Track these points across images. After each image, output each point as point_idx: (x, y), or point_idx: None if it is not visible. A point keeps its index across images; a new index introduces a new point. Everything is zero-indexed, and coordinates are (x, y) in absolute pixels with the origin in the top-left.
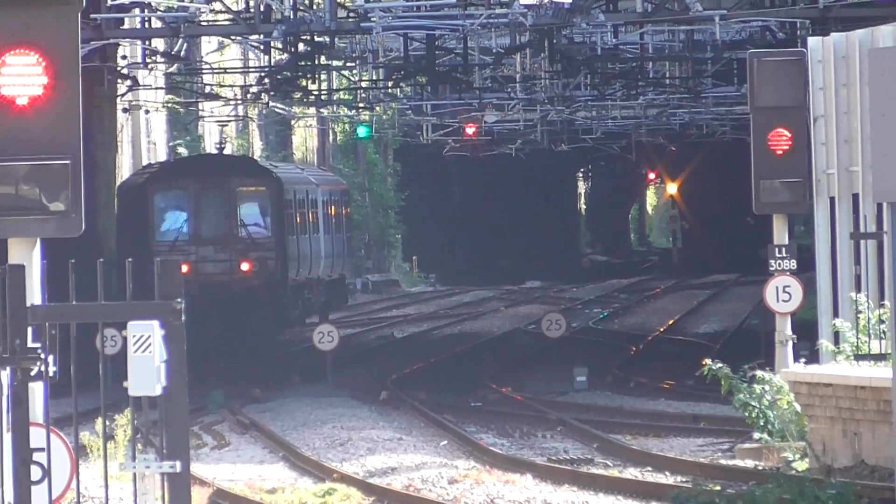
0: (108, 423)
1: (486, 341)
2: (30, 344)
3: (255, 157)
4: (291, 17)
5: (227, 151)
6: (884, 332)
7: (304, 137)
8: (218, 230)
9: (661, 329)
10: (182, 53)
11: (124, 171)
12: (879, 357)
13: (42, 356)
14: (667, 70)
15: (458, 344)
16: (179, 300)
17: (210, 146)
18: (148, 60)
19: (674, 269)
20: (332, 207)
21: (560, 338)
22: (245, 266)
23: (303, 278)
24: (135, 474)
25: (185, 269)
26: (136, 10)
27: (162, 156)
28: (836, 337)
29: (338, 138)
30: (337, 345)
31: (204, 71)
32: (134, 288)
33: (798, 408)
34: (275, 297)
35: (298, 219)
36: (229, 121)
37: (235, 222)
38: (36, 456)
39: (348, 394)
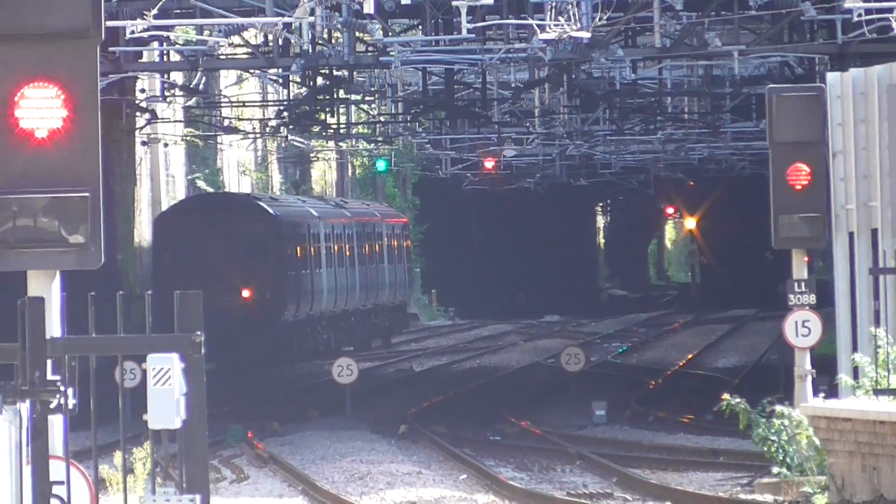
0: (127, 456)
1: (505, 375)
2: (49, 377)
3: (266, 193)
4: (310, 51)
5: (245, 186)
6: None
7: (323, 171)
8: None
9: (680, 363)
10: (200, 87)
11: (143, 204)
12: None
13: (62, 389)
14: (685, 105)
15: (477, 377)
16: (199, 333)
17: (229, 179)
18: (167, 93)
19: (692, 304)
20: (395, 240)
21: (579, 372)
22: (246, 293)
23: (315, 312)
24: None
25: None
26: (155, 44)
27: (181, 189)
28: (856, 371)
29: (356, 172)
30: (356, 378)
31: (222, 104)
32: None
33: (817, 442)
34: (268, 329)
35: (312, 252)
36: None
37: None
38: (56, 489)
39: (367, 427)
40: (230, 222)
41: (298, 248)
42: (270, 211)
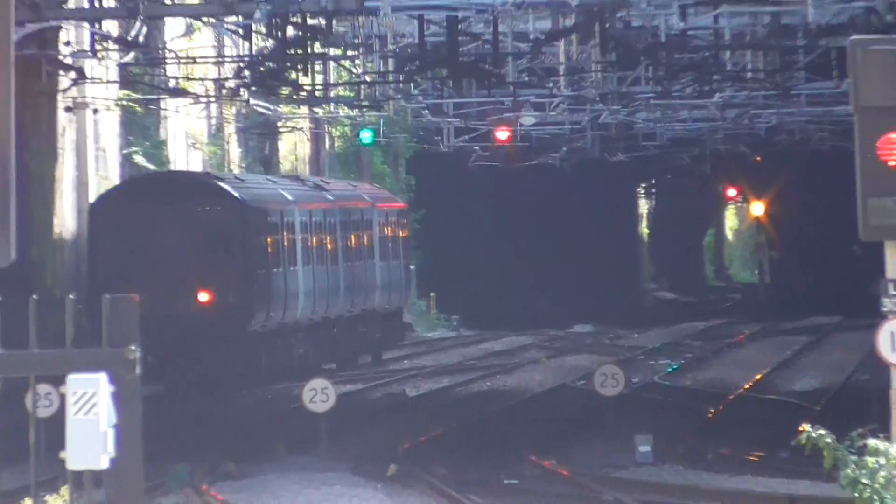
0: None
1: (524, 401)
2: None
3: (229, 172)
4: None
5: (195, 163)
6: None
7: (294, 144)
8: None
9: (746, 386)
10: (141, 39)
11: (65, 185)
12: None
13: None
14: (748, 61)
15: (488, 404)
16: (134, 347)
17: (175, 154)
18: (98, 48)
19: (760, 310)
20: (388, 230)
21: (617, 396)
22: (204, 296)
23: (289, 321)
24: None
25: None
26: None
27: (114, 167)
28: None
29: (336, 145)
30: (333, 405)
31: (168, 61)
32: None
33: None
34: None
35: (286, 245)
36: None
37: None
38: None
39: (347, 468)
40: (185, 208)
41: (269, 241)
42: (235, 194)
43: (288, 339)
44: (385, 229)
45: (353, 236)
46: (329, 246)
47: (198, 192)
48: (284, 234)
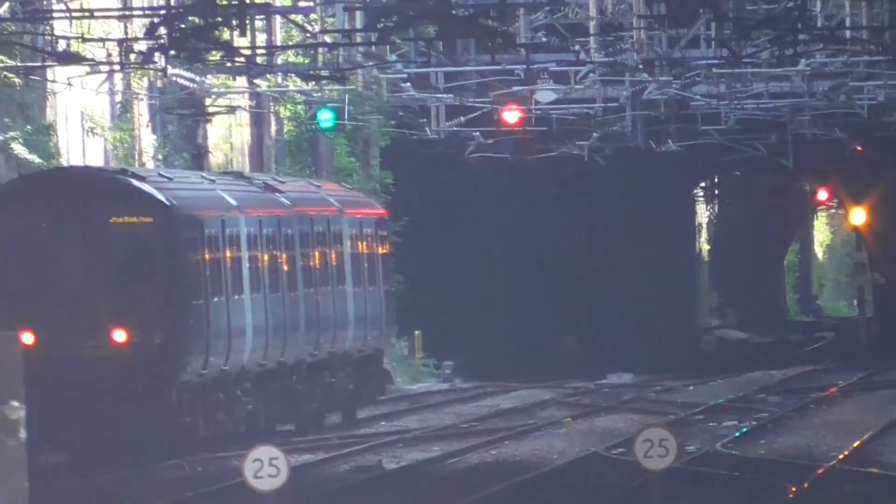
0: None
1: (540, 477)
2: None
3: (154, 168)
4: None
5: (94, 153)
6: None
7: (229, 127)
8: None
9: (840, 456)
10: None
11: None
12: None
13: None
14: (846, 15)
15: (492, 481)
16: (16, 403)
17: (67, 141)
18: None
19: (860, 354)
20: (363, 244)
21: (666, 470)
22: (120, 335)
23: (233, 368)
24: None
25: (29, 339)
26: None
27: None
28: None
29: (285, 130)
30: (285, 481)
31: (55, 15)
32: None
33: None
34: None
35: (229, 266)
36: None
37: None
38: None
39: None
40: (94, 218)
41: (206, 260)
42: (160, 198)
43: (232, 392)
44: (359, 244)
45: (316, 253)
46: (285, 266)
47: (110, 195)
48: (226, 250)
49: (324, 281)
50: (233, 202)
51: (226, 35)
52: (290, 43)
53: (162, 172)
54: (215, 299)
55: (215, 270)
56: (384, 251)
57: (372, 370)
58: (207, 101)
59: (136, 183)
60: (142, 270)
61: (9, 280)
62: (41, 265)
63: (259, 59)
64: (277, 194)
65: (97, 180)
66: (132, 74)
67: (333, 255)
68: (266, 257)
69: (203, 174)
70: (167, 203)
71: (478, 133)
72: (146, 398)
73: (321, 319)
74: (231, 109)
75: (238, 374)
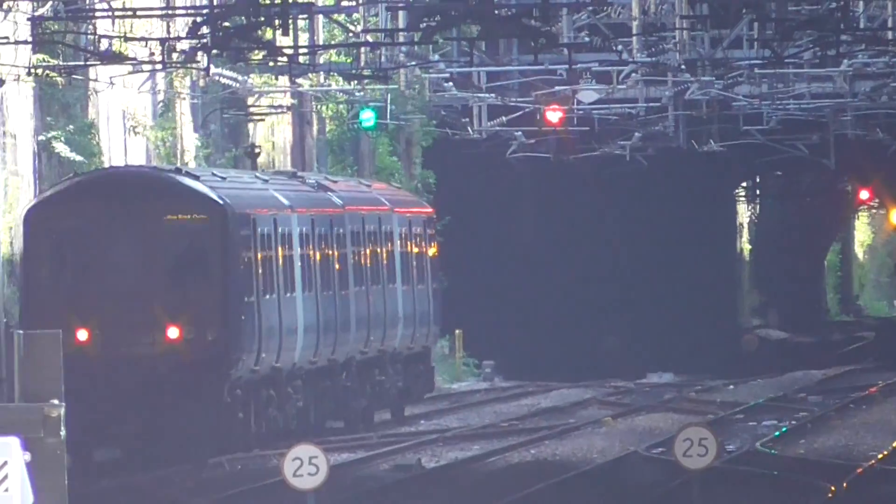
0: None
1: (580, 476)
2: None
3: (205, 168)
4: None
5: (136, 151)
6: None
7: (271, 126)
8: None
9: (880, 455)
10: None
11: None
12: None
13: None
14: (889, 16)
15: (532, 480)
16: (56, 401)
17: (109, 140)
18: None
19: None
20: (413, 243)
21: (706, 469)
22: (174, 332)
23: (284, 365)
24: None
25: (84, 336)
26: None
27: (26, 157)
28: None
29: (327, 129)
30: (324, 480)
31: (99, 14)
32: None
33: None
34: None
35: (280, 265)
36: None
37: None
38: None
39: None
40: (148, 215)
41: (259, 259)
42: (214, 197)
43: (283, 389)
44: (408, 243)
45: (367, 252)
46: (336, 265)
47: (165, 194)
48: (279, 249)
49: (374, 279)
50: (285, 201)
51: (268, 34)
52: (333, 42)
53: (216, 172)
54: (267, 297)
55: (268, 268)
56: (432, 250)
57: (420, 368)
58: (250, 101)
59: (190, 182)
60: (196, 268)
61: (64, 277)
62: (96, 263)
63: (301, 59)
64: (329, 193)
65: (152, 179)
66: (174, 74)
67: (384, 254)
68: (318, 255)
69: (256, 174)
70: (221, 202)
71: (520, 133)
72: (199, 394)
73: (372, 317)
74: (282, 109)
75: (289, 371)
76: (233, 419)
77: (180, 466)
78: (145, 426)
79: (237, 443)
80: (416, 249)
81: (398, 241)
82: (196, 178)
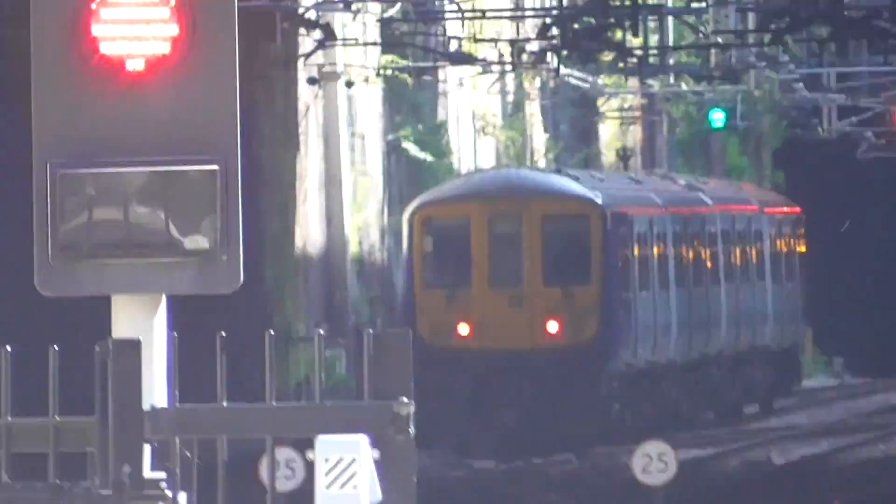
0: None
1: None
2: (148, 473)
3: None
4: None
5: (486, 151)
6: None
7: (621, 127)
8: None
9: None
10: None
11: (310, 182)
12: None
13: (168, 494)
14: None
15: (883, 477)
16: (405, 399)
17: (458, 140)
18: None
19: None
20: (782, 242)
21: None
22: (553, 326)
23: (659, 359)
24: None
25: (465, 331)
26: None
27: (375, 157)
28: None
29: (677, 129)
30: (673, 476)
31: (448, 16)
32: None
33: None
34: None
35: (656, 262)
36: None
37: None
38: None
39: None
40: (530, 214)
41: (635, 257)
42: (592, 196)
43: (657, 382)
44: (777, 242)
45: (737, 251)
46: (708, 263)
47: (548, 193)
48: (654, 247)
49: (745, 277)
50: (658, 201)
51: (618, 35)
52: (683, 43)
53: (593, 174)
54: (643, 294)
55: (644, 266)
56: (800, 248)
57: (788, 363)
58: (600, 101)
59: (571, 182)
60: (576, 265)
61: (447, 273)
62: (476, 260)
63: (651, 59)
64: (700, 193)
65: (535, 180)
66: (524, 74)
67: (754, 252)
68: (691, 254)
69: (630, 175)
70: (600, 201)
71: (870, 133)
72: (578, 389)
73: (742, 313)
74: (633, 110)
75: (664, 365)
76: (610, 413)
77: (557, 456)
78: (524, 420)
79: (614, 436)
80: (784, 248)
81: (767, 240)
82: (576, 178)
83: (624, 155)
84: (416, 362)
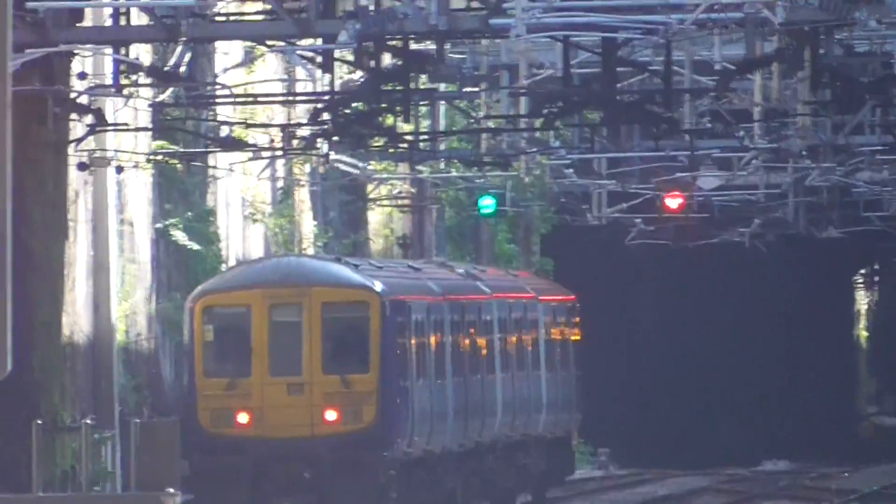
0: None
1: None
2: None
3: (363, 259)
4: (371, 8)
5: (254, 238)
6: None
7: (389, 213)
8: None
9: None
10: (182, 70)
11: (78, 269)
12: None
13: None
14: None
15: None
16: (172, 490)
17: (227, 227)
18: (124, 82)
19: None
20: (556, 330)
21: None
22: (332, 415)
23: (435, 447)
24: None
25: (245, 419)
26: None
27: (144, 245)
28: None
29: (446, 215)
30: None
31: (219, 101)
32: None
33: None
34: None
35: (433, 350)
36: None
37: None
38: None
39: None
40: (308, 303)
41: (413, 345)
42: (370, 284)
43: (434, 469)
44: (552, 330)
45: (513, 339)
46: (484, 351)
47: (326, 281)
48: (431, 335)
49: (521, 365)
50: (436, 289)
51: (389, 121)
52: (454, 128)
53: (372, 262)
54: (419, 382)
55: (421, 354)
56: (575, 336)
57: (562, 452)
58: (369, 187)
59: (349, 271)
60: (355, 353)
61: (228, 361)
62: (256, 348)
63: (422, 145)
64: (478, 282)
65: (314, 268)
66: (294, 160)
67: (529, 340)
68: (468, 342)
69: (409, 263)
70: (378, 289)
71: (639, 220)
72: (357, 476)
73: (517, 401)
74: (399, 199)
75: (440, 453)
76: (387, 500)
77: None
78: None
79: None
80: (559, 336)
81: (542, 328)
82: (355, 266)
83: (404, 243)
84: (198, 451)
